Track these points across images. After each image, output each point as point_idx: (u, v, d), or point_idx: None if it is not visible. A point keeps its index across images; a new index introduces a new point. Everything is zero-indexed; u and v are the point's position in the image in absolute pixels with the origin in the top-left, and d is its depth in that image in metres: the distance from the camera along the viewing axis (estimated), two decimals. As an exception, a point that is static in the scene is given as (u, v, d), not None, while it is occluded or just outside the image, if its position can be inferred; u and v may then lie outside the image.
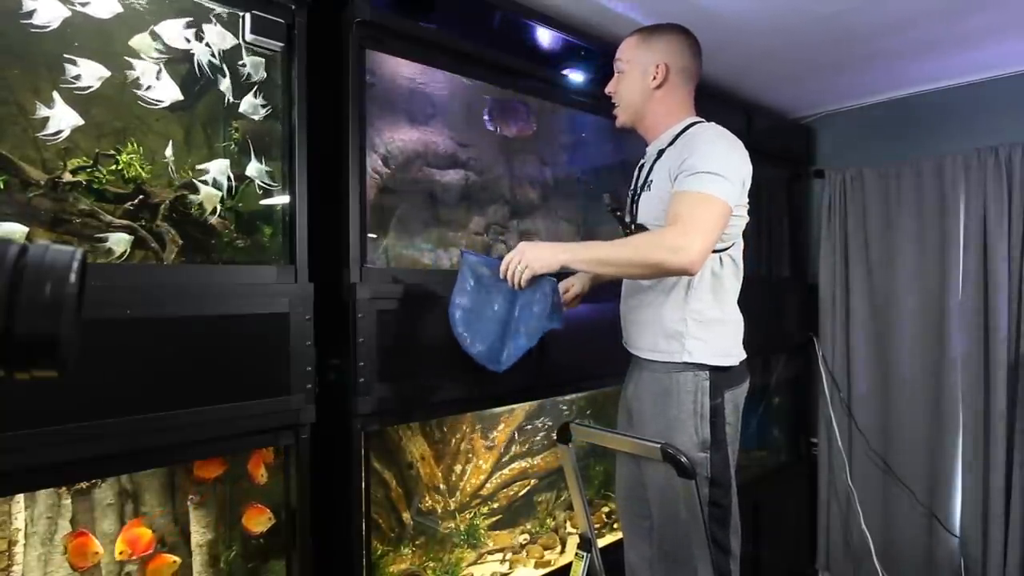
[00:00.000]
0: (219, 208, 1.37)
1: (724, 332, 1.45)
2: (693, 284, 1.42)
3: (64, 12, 1.16)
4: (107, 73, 1.22)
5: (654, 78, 1.47)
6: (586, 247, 1.39)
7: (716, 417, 1.41)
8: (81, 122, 1.18)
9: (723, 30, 1.99)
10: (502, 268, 1.40)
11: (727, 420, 1.43)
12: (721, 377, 1.43)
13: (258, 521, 1.44)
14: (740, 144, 1.43)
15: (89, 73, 1.19)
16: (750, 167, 1.43)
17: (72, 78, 1.18)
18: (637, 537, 1.59)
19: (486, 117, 1.99)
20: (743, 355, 1.49)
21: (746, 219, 1.47)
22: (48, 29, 1.14)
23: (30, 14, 1.12)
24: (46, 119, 1.15)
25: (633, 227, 1.52)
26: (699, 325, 1.42)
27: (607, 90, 1.57)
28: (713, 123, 1.48)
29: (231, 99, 1.36)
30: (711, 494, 1.39)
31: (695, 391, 1.41)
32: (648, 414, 1.47)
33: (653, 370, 1.47)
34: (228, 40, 1.35)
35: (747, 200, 1.45)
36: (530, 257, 1.36)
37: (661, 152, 1.48)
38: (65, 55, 1.17)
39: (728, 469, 1.43)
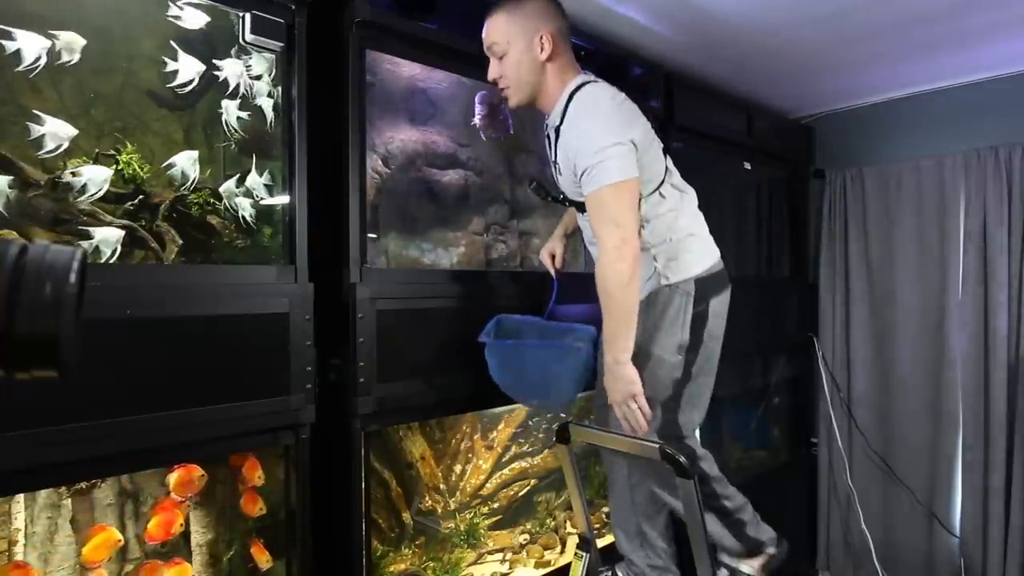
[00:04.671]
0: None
1: (686, 246, 1.50)
2: (642, 235, 1.45)
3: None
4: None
5: (542, 49, 1.42)
6: (615, 339, 1.39)
7: (697, 324, 1.49)
8: (75, 132, 1.18)
9: (723, 30, 1.99)
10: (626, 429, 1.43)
11: (707, 326, 1.50)
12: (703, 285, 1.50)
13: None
14: (617, 103, 1.42)
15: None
16: (637, 118, 1.43)
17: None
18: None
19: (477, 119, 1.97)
20: (714, 254, 1.55)
21: (662, 158, 1.48)
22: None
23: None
24: (42, 136, 1.15)
25: (566, 201, 1.54)
26: (667, 254, 1.49)
27: (490, 78, 1.49)
28: (588, 88, 1.42)
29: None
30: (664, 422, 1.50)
31: (680, 305, 1.48)
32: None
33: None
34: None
35: (659, 144, 1.48)
36: (625, 390, 1.39)
37: (558, 130, 1.45)
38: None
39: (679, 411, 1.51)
